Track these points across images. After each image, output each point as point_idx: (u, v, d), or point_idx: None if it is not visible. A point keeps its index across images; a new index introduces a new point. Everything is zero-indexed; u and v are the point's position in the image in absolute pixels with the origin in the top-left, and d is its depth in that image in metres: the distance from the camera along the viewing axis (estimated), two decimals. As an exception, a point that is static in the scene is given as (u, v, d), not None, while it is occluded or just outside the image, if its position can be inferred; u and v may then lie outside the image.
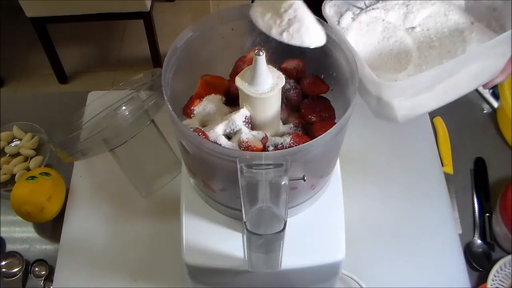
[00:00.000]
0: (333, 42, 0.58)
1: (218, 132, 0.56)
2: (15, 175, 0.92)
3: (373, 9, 0.71)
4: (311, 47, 0.55)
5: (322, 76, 0.64)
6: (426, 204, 0.85)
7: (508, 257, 0.78)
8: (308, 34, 0.54)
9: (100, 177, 0.90)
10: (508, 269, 0.78)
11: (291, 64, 0.63)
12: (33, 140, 0.96)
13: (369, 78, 0.59)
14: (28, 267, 0.82)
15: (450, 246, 0.81)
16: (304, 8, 0.54)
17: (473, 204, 0.87)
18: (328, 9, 0.66)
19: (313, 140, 0.50)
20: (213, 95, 0.62)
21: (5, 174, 0.92)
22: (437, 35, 0.69)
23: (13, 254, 0.83)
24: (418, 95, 0.63)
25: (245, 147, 0.54)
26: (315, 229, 0.63)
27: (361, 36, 0.69)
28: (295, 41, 0.54)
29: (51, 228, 0.86)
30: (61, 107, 1.02)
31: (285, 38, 0.54)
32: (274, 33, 0.54)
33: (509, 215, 0.79)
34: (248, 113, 0.57)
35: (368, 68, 0.59)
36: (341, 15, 0.70)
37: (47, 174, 0.85)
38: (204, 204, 0.63)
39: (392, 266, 0.79)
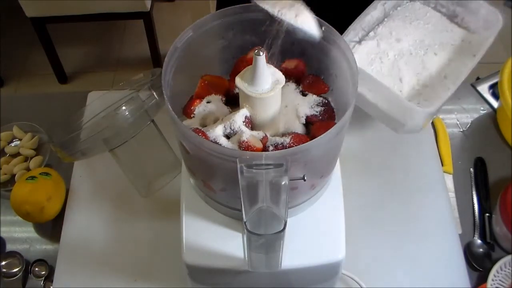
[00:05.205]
0: (334, 43, 0.58)
1: (218, 132, 0.56)
2: (15, 175, 0.92)
3: (365, 40, 0.81)
4: (308, 33, 0.56)
5: (322, 76, 0.64)
6: (426, 204, 0.85)
7: (508, 257, 0.78)
8: (308, 22, 0.56)
9: (100, 177, 0.90)
10: (508, 269, 0.78)
11: (291, 64, 0.63)
12: (33, 140, 0.96)
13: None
14: (28, 267, 0.82)
15: (450, 246, 0.81)
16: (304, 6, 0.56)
17: (473, 204, 0.87)
18: None
19: (313, 140, 0.50)
20: (213, 95, 0.62)
21: (5, 174, 0.92)
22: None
23: (13, 254, 0.83)
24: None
25: (245, 147, 0.54)
26: (315, 229, 0.62)
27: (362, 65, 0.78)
28: (296, 24, 0.55)
29: (51, 228, 0.86)
30: (61, 107, 1.02)
31: (287, 17, 0.55)
32: (277, 12, 0.56)
33: (509, 215, 0.79)
34: (248, 113, 0.57)
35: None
36: None
37: (47, 174, 0.85)
38: (204, 204, 0.63)
39: (392, 266, 0.79)
